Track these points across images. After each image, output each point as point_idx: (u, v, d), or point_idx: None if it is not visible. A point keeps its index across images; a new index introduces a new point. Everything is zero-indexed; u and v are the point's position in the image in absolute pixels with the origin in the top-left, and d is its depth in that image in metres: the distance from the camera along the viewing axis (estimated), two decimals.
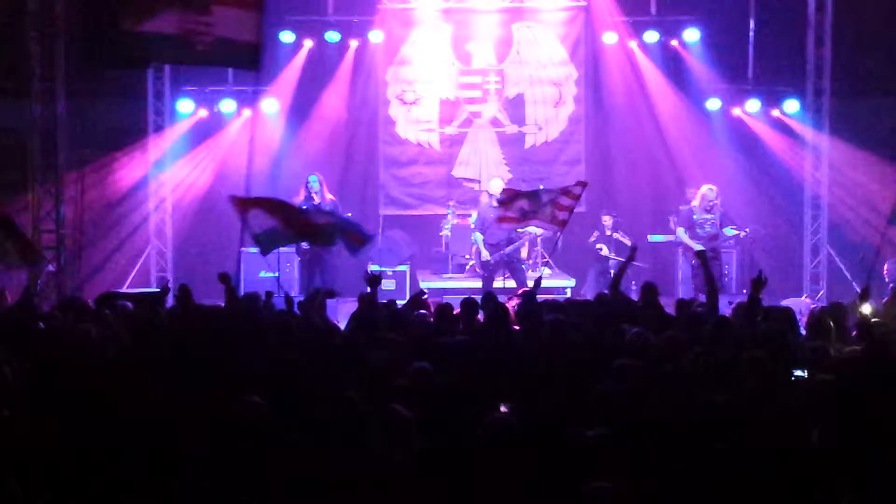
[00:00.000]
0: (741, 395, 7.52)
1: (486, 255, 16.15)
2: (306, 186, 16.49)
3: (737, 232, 16.38)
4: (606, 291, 12.93)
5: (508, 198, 13.48)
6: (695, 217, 16.17)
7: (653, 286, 11.34)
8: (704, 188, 16.30)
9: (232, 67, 16.08)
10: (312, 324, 10.24)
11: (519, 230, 15.90)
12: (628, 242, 17.86)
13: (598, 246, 17.85)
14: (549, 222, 12.98)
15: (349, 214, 16.76)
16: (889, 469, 6.01)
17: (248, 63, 9.96)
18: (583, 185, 13.01)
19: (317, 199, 16.29)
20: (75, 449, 6.32)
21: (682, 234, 16.34)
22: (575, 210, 13.06)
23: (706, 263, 11.12)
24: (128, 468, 6.08)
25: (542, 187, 17.14)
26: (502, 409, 7.87)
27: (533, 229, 16.40)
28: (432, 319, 10.65)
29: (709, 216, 16.13)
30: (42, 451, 6.30)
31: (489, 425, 6.32)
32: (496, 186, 16.50)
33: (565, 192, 12.87)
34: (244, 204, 10.78)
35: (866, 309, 10.77)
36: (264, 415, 6.71)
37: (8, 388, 7.43)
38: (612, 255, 17.73)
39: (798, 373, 8.23)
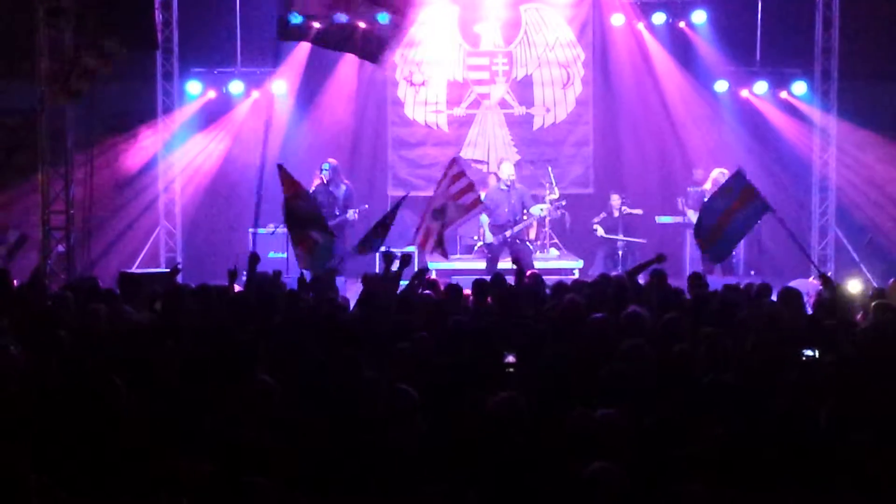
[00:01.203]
0: (748, 375, 7.57)
1: (490, 236, 16.20)
2: (320, 173, 16.58)
3: None
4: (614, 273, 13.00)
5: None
6: (706, 200, 16.20)
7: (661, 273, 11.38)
8: (716, 172, 16.34)
9: None
10: (323, 304, 10.32)
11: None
12: (639, 212, 17.91)
13: (594, 226, 17.92)
14: (464, 212, 13.21)
15: (366, 206, 16.84)
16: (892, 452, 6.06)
17: None
18: (453, 163, 13.32)
19: (331, 186, 16.40)
20: (81, 431, 6.34)
21: (693, 215, 16.37)
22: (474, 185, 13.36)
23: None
24: (131, 453, 6.11)
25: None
26: (509, 358, 7.98)
27: (537, 211, 16.43)
28: (437, 297, 10.75)
29: None
30: (49, 433, 6.33)
31: (494, 405, 6.35)
32: (506, 170, 16.54)
33: (448, 180, 13.09)
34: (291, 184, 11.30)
35: (854, 288, 10.76)
36: (274, 394, 6.76)
37: (15, 368, 7.47)
38: (620, 237, 17.77)
39: (808, 353, 8.25)
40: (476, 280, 11.12)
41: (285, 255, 15.66)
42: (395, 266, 11.45)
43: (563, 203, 18.00)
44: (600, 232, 17.90)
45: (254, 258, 11.07)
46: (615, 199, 18.05)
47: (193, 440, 6.26)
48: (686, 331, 8.68)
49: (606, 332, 8.66)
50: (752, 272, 16.97)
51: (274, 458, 6.01)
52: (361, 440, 6.29)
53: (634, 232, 17.89)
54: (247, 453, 6.03)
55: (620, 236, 17.79)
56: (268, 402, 6.70)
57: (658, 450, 6.14)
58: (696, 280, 11.45)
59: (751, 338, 8.28)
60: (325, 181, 16.55)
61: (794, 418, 6.60)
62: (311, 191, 16.44)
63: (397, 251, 16.85)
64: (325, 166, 16.64)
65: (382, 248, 12.12)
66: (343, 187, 16.78)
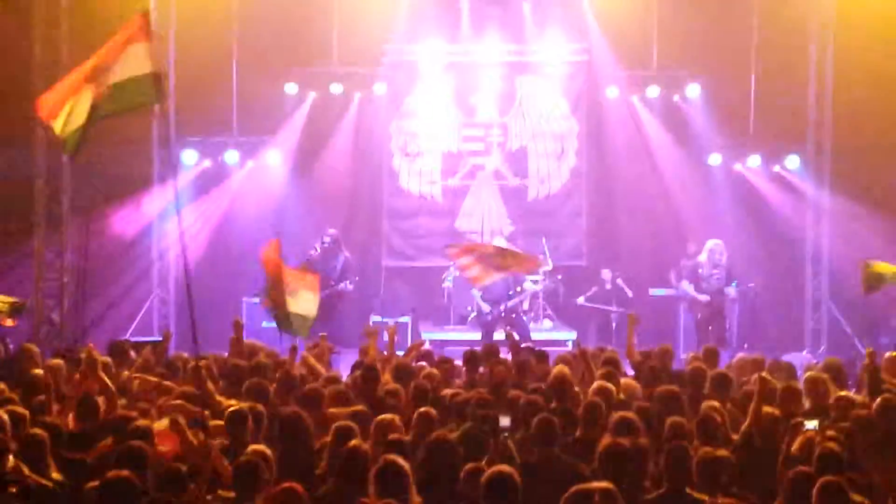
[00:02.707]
0: (743, 449, 7.55)
1: (486, 308, 16.15)
2: (322, 244, 16.63)
3: (734, 293, 16.51)
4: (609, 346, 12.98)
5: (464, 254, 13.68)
6: (701, 272, 16.26)
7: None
8: (711, 243, 16.37)
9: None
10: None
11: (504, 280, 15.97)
12: (629, 293, 17.92)
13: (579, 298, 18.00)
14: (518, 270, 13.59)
15: (356, 278, 16.88)
16: None
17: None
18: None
19: (328, 256, 16.43)
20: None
21: (686, 286, 16.42)
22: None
23: None
24: None
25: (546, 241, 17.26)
26: (504, 421, 7.96)
27: (530, 286, 16.41)
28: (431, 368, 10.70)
29: (715, 271, 16.22)
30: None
31: (491, 480, 6.30)
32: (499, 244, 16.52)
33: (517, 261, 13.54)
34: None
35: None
36: (270, 465, 6.74)
37: (5, 432, 7.43)
38: (613, 308, 17.78)
39: (809, 425, 8.18)
40: (468, 351, 11.03)
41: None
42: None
43: (560, 277, 18.05)
44: (580, 300, 17.95)
45: (237, 326, 11.10)
46: (606, 274, 18.08)
47: None
48: (681, 404, 8.68)
49: (595, 404, 8.64)
50: (746, 345, 16.97)
51: None
52: None
53: (627, 304, 17.87)
54: None
55: (614, 307, 17.80)
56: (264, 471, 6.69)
57: None
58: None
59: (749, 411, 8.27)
60: (325, 251, 16.60)
61: (788, 490, 6.57)
62: (308, 258, 16.50)
63: (391, 321, 16.96)
64: (327, 239, 16.69)
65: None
66: (342, 258, 16.79)
